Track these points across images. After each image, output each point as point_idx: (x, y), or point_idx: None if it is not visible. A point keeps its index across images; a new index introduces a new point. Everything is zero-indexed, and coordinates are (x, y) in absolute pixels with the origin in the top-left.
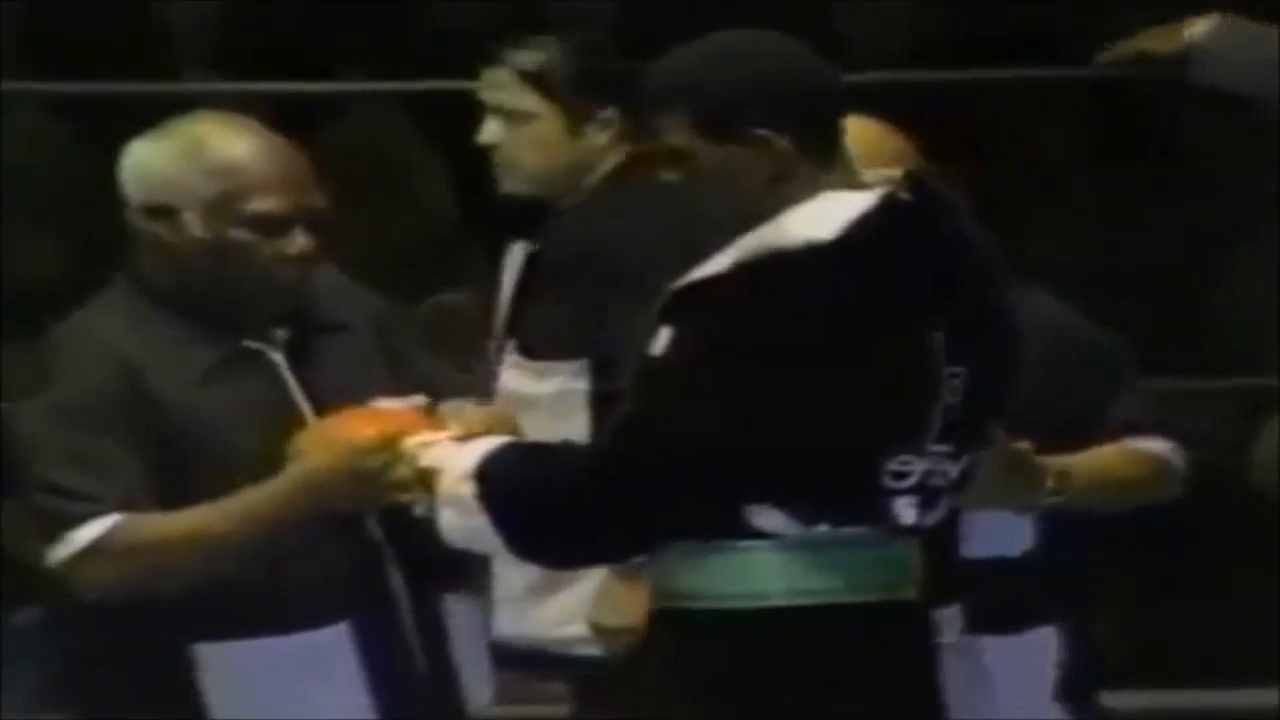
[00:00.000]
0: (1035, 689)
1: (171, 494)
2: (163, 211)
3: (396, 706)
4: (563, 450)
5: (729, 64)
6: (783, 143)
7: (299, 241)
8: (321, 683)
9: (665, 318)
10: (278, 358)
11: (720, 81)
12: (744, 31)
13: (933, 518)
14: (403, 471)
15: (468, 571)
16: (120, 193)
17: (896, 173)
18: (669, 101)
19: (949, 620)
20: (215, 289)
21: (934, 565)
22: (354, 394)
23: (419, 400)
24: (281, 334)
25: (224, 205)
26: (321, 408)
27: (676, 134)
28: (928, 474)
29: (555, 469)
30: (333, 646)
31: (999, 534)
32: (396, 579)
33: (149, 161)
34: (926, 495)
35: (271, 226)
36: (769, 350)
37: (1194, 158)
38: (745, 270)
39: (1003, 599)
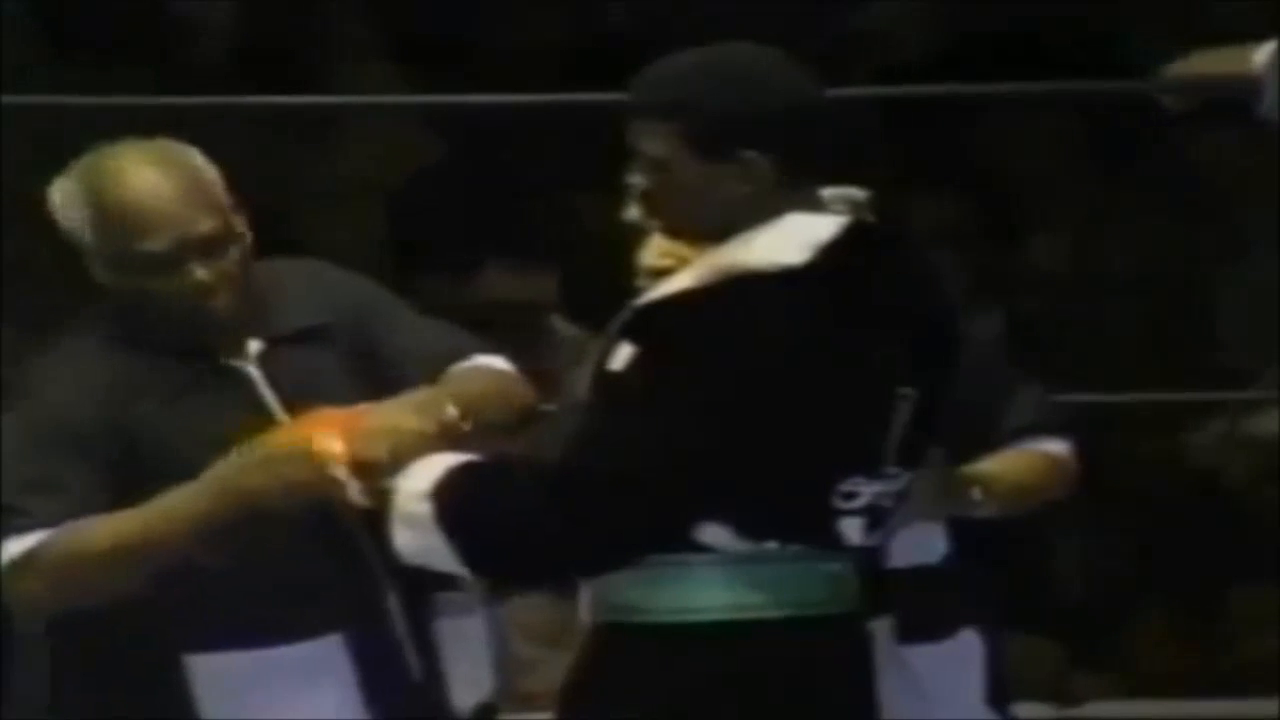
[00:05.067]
0: (966, 695)
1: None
2: (80, 253)
3: (392, 716)
4: (520, 467)
5: (725, 82)
6: (767, 163)
7: (197, 274)
8: (315, 694)
9: (626, 333)
10: (252, 371)
11: (716, 100)
12: (735, 46)
13: (877, 537)
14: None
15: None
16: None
17: (855, 193)
18: (656, 114)
19: (881, 632)
20: (153, 323)
21: (866, 578)
22: (333, 402)
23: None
24: (255, 345)
25: (114, 253)
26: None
27: (659, 145)
28: (878, 495)
29: (513, 487)
30: (326, 658)
31: (917, 542)
32: (389, 589)
33: (56, 204)
34: (874, 516)
35: (162, 266)
36: (731, 370)
37: (1195, 169)
38: (711, 290)
39: (927, 606)
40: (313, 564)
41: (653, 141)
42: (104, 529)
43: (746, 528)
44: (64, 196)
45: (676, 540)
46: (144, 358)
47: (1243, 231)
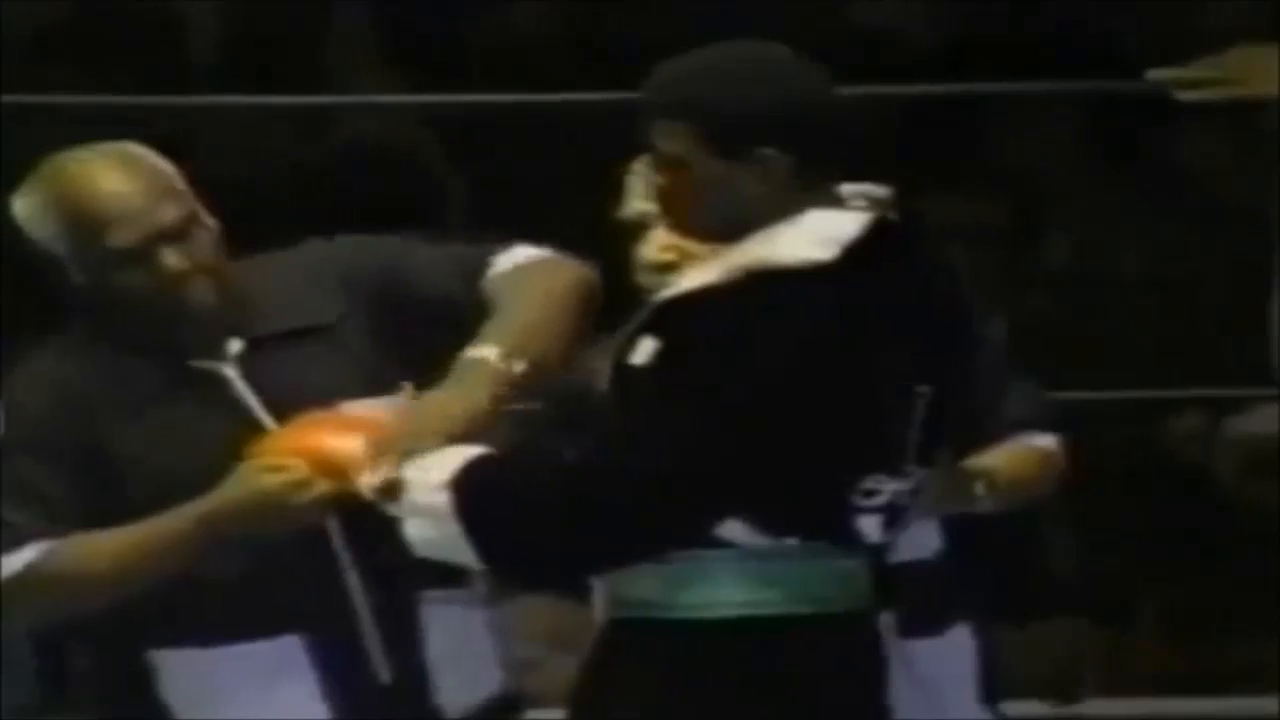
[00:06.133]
0: (959, 691)
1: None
2: (52, 261)
3: (356, 718)
4: (542, 462)
5: (742, 81)
6: (785, 161)
7: (169, 261)
8: (276, 693)
9: (649, 329)
10: (229, 372)
11: (732, 99)
12: (748, 44)
13: (895, 534)
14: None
15: (447, 574)
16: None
17: (876, 189)
18: (674, 113)
19: (886, 628)
20: (130, 324)
21: (882, 575)
22: (321, 401)
23: (389, 401)
24: (235, 346)
25: (87, 252)
26: (285, 419)
27: (676, 144)
28: (896, 494)
29: (535, 481)
30: (286, 657)
31: (913, 536)
32: (356, 588)
33: (23, 217)
34: (893, 513)
35: (135, 257)
36: (757, 366)
37: (1193, 167)
38: (736, 286)
39: (922, 601)
40: (277, 562)
41: (669, 140)
42: (103, 547)
43: (766, 524)
44: (30, 207)
45: (697, 536)
46: (116, 362)
47: (1242, 231)
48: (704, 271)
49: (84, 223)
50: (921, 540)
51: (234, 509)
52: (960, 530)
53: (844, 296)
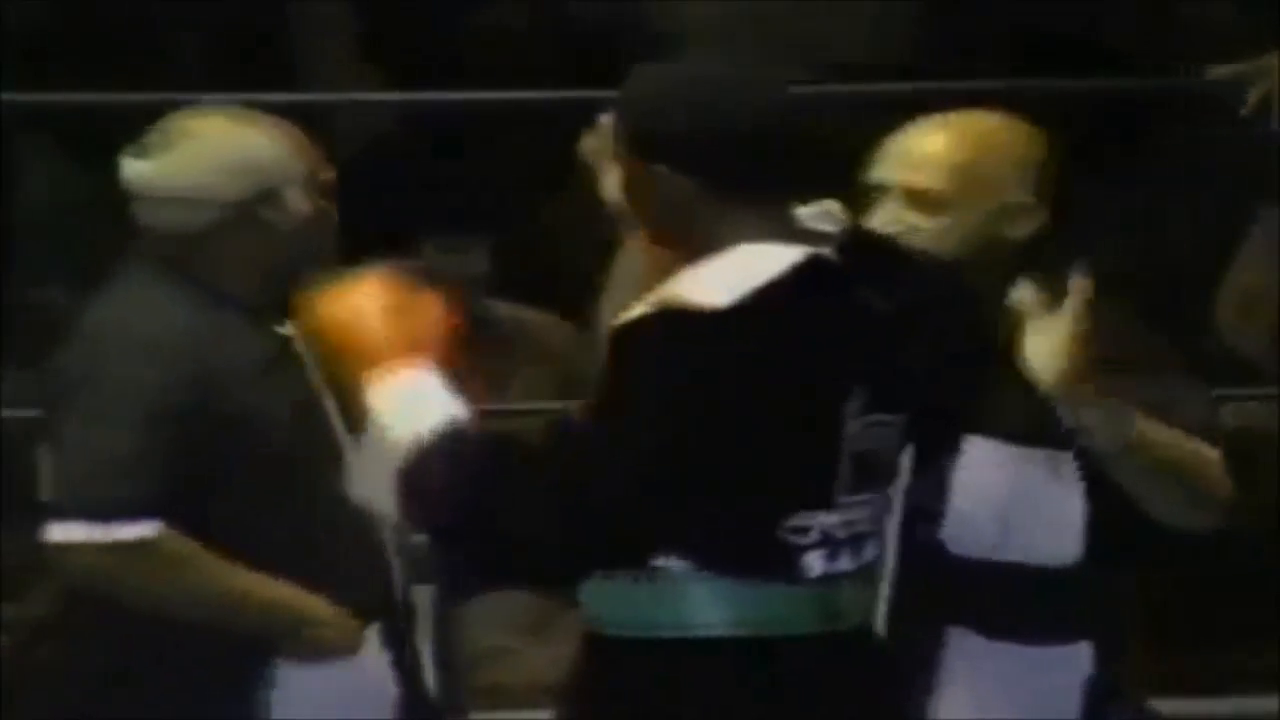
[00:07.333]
0: (1059, 705)
1: (228, 487)
2: (269, 195)
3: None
4: (505, 456)
5: (656, 95)
6: (688, 183)
7: (332, 208)
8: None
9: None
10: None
11: (640, 110)
12: (706, 63)
13: (850, 563)
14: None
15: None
16: (193, 193)
17: (832, 207)
18: (618, 112)
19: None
20: (300, 265)
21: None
22: None
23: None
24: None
25: (311, 178)
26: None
27: (618, 144)
28: (835, 526)
29: (480, 486)
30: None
31: (1050, 541)
32: (399, 577)
33: (248, 149)
34: (835, 546)
35: (330, 195)
36: (661, 405)
37: (1193, 167)
38: (648, 322)
39: (1047, 609)
40: (348, 576)
41: (617, 138)
42: (217, 572)
43: (700, 561)
44: (252, 139)
45: (636, 565)
46: (226, 327)
47: (1242, 230)
48: (639, 305)
49: (308, 151)
50: (1056, 546)
51: (302, 630)
52: (1101, 543)
53: (740, 343)
